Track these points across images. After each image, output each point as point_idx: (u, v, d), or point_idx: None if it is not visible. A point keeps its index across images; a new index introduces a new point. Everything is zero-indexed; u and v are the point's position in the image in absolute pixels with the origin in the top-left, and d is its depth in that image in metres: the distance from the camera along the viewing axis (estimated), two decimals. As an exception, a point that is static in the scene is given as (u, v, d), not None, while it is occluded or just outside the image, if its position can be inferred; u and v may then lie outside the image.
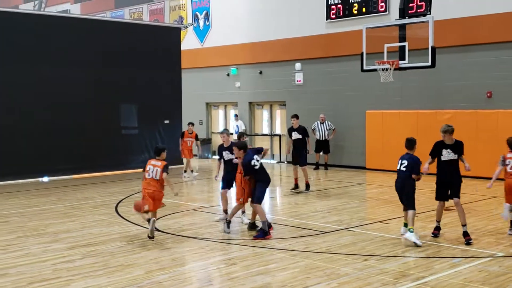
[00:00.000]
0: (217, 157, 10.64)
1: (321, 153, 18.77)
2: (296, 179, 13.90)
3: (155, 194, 8.96)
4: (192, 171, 16.95)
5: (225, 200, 10.30)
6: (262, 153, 9.64)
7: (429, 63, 13.47)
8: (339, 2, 18.70)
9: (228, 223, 9.51)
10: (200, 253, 8.26)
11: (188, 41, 23.43)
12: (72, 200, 12.98)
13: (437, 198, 8.93)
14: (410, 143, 8.97)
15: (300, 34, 19.85)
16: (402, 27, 14.02)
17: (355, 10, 18.34)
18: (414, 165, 8.71)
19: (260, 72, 21.33)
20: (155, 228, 8.95)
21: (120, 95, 18.53)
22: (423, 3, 13.75)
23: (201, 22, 23.53)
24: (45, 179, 16.63)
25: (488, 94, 15.82)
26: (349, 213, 11.12)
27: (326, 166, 18.59)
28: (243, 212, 10.12)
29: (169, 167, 9.23)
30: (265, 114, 21.90)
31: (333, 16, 18.91)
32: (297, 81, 20.15)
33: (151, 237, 8.84)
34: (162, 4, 25.17)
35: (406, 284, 6.61)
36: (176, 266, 7.55)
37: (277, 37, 20.56)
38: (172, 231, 9.58)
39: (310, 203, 12.38)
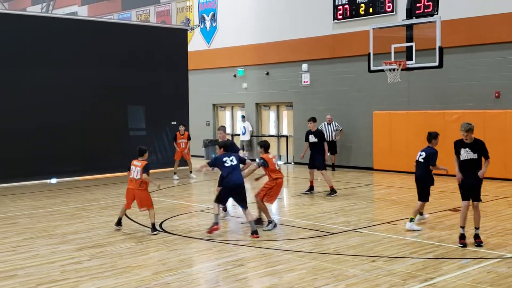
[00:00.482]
0: None
1: (329, 153, 18.71)
2: (311, 182, 13.71)
3: (135, 192, 9.52)
4: (191, 171, 16.99)
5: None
6: (245, 165, 9.85)
7: (436, 63, 13.43)
8: (346, 2, 18.68)
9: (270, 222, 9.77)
10: (207, 254, 8.27)
11: (195, 43, 23.47)
12: (80, 202, 13.03)
13: (462, 198, 8.60)
14: (428, 136, 9.88)
15: (307, 34, 19.84)
16: (409, 27, 13.98)
17: (362, 11, 18.31)
18: (430, 156, 9.41)
19: (267, 73, 21.33)
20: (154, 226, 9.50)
21: (127, 97, 18.59)
22: (430, 3, 13.71)
23: (207, 24, 23.57)
24: (53, 180, 16.70)
25: (496, 94, 15.74)
26: (356, 214, 11.09)
27: (334, 167, 18.55)
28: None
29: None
30: (272, 115, 21.89)
31: (340, 17, 18.88)
32: (304, 82, 20.13)
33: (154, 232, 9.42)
34: (169, 6, 25.24)
35: (414, 285, 6.58)
36: (183, 267, 7.56)
37: (283, 38, 20.55)
38: (180, 232, 9.59)
39: (317, 204, 12.36)
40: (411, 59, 13.86)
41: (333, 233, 9.33)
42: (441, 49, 13.29)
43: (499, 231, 9.35)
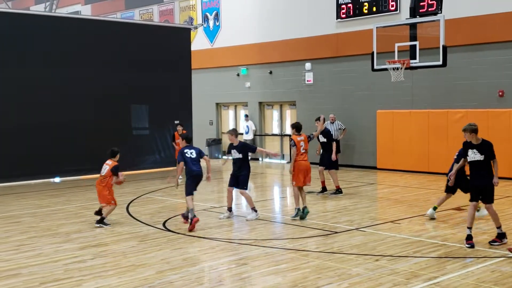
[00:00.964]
0: (225, 157, 10.97)
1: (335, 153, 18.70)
2: (322, 182, 13.47)
3: (97, 188, 10.26)
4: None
5: (230, 197, 10.60)
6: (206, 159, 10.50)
7: (440, 62, 13.39)
8: (349, 1, 18.65)
9: (298, 210, 10.47)
10: (210, 253, 8.27)
11: (198, 42, 23.48)
12: (83, 201, 13.05)
13: (470, 199, 8.48)
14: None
15: (310, 34, 19.82)
16: (413, 26, 13.95)
17: (365, 10, 18.28)
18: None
19: (270, 72, 21.32)
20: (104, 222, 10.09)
21: (130, 96, 18.61)
22: (434, 2, 13.68)
23: (211, 23, 23.57)
24: (57, 179, 16.73)
25: (500, 93, 15.69)
26: (360, 213, 11.08)
27: (337, 166, 18.50)
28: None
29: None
30: (275, 114, 21.88)
31: (343, 16, 18.85)
32: (307, 81, 20.12)
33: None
34: (172, 5, 25.25)
35: (418, 285, 6.57)
36: (187, 266, 7.56)
37: (287, 37, 20.54)
38: (183, 231, 9.60)
39: (320, 203, 12.35)
40: (415, 58, 13.83)
41: (337, 232, 9.32)
42: (444, 48, 13.26)
43: (503, 230, 9.30)
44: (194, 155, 10.23)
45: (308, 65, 19.98)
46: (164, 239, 9.01)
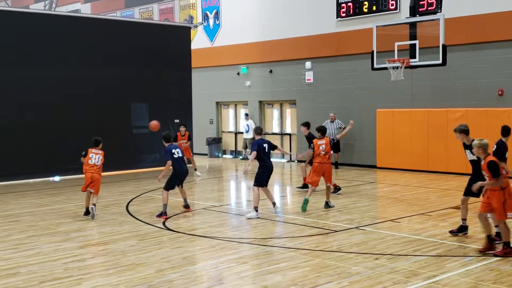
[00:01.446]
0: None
1: (331, 152, 18.70)
2: (304, 178, 13.74)
3: (94, 176, 10.76)
4: (195, 169, 17.02)
5: (260, 196, 10.76)
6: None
7: (440, 61, 13.40)
8: (349, 0, 18.64)
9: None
10: (210, 251, 8.27)
11: (198, 40, 23.47)
12: (83, 200, 12.98)
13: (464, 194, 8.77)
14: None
15: (310, 32, 19.81)
16: (412, 25, 13.95)
17: (365, 9, 18.27)
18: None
19: (270, 71, 21.31)
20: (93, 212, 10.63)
21: (130, 95, 18.60)
22: (433, 1, 13.70)
23: (211, 21, 23.55)
24: (57, 178, 16.73)
25: (500, 92, 15.69)
26: (359, 211, 11.08)
27: (337, 165, 18.53)
28: (274, 204, 10.95)
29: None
30: (275, 113, 21.88)
31: (343, 15, 18.84)
32: (307, 79, 20.11)
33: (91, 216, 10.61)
34: (172, 3, 25.23)
35: (417, 283, 6.58)
36: (187, 264, 7.56)
37: (287, 35, 20.53)
38: (183, 230, 9.60)
39: (320, 201, 12.35)
40: (415, 57, 13.83)
41: (336, 231, 9.33)
42: (444, 47, 13.26)
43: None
44: (181, 154, 10.99)
45: (308, 64, 19.97)
46: (164, 238, 9.01)
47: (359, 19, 18.42)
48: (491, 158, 7.70)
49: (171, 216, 10.74)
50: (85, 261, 7.79)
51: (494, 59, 15.75)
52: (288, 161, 20.96)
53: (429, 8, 13.83)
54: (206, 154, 22.94)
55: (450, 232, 8.94)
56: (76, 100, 17.14)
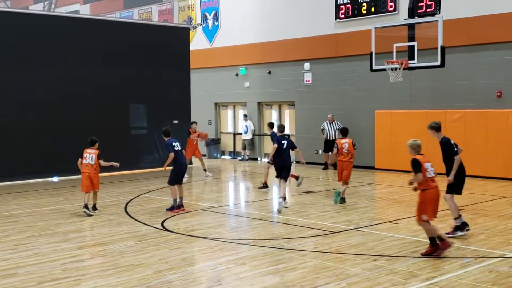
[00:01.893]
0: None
1: (330, 153, 18.72)
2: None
3: (91, 176, 11.10)
4: (205, 170, 17.06)
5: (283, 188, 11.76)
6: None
7: (438, 63, 13.43)
8: (348, 2, 18.66)
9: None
10: (209, 253, 8.27)
11: (197, 41, 23.47)
12: (81, 200, 12.99)
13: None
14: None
15: (309, 34, 19.83)
16: (411, 27, 13.98)
17: (364, 10, 18.29)
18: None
19: (269, 72, 21.32)
20: (90, 212, 11.03)
21: (129, 95, 18.60)
22: (432, 2, 13.70)
23: (210, 22, 23.56)
24: (55, 179, 16.72)
25: (498, 94, 15.71)
26: (358, 213, 11.09)
27: (335, 166, 18.51)
28: (284, 199, 11.57)
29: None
30: (274, 114, 21.88)
31: (342, 16, 18.86)
32: (306, 81, 20.12)
33: (91, 215, 11.00)
34: (171, 4, 25.24)
35: (416, 285, 6.58)
36: (185, 266, 7.57)
37: (286, 37, 20.54)
38: (181, 231, 9.60)
39: (319, 203, 12.36)
40: (413, 59, 13.85)
41: (335, 232, 9.33)
42: (443, 48, 13.29)
43: (501, 230, 9.34)
44: (180, 148, 11.53)
45: (307, 65, 19.99)
46: (162, 239, 9.01)
47: (358, 20, 18.44)
48: (416, 157, 7.86)
49: (169, 217, 10.75)
50: (84, 262, 7.79)
51: (493, 61, 15.78)
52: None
53: (427, 10, 13.84)
54: (204, 155, 22.90)
55: (446, 234, 8.91)
56: (76, 100, 17.13)
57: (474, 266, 7.29)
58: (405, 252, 8.01)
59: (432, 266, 7.32)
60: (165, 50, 19.30)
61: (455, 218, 8.93)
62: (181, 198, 11.47)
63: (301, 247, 8.37)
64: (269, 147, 21.62)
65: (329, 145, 18.59)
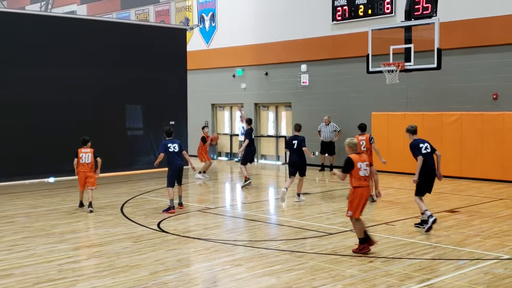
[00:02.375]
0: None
1: (326, 154, 18.76)
2: (245, 176, 15.09)
3: (87, 174, 11.52)
4: (204, 172, 17.08)
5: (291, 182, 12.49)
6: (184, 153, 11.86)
7: (435, 65, 13.46)
8: (345, 3, 18.69)
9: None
10: (205, 254, 8.27)
11: (194, 42, 23.47)
12: (77, 201, 13.00)
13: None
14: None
15: (305, 35, 19.85)
16: (408, 29, 14.01)
17: (360, 12, 18.32)
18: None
19: (266, 74, 21.34)
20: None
21: (125, 96, 18.58)
22: (429, 5, 13.74)
23: (207, 24, 23.57)
24: (51, 179, 16.69)
25: (494, 96, 15.77)
26: (354, 214, 11.09)
27: (332, 167, 18.57)
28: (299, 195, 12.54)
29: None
30: (271, 115, 21.90)
31: (339, 18, 18.90)
32: (303, 82, 20.14)
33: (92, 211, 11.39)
34: (168, 5, 25.24)
35: (411, 286, 6.60)
36: (181, 267, 7.57)
37: (282, 38, 20.56)
38: (178, 232, 9.60)
39: (315, 204, 12.37)
40: (410, 61, 13.88)
41: (331, 234, 9.35)
42: (439, 50, 13.32)
43: (496, 232, 9.38)
44: (177, 149, 11.49)
45: (303, 67, 20.01)
46: (159, 240, 9.01)
47: (355, 22, 18.47)
48: (351, 155, 8.28)
49: (166, 218, 10.75)
50: (80, 263, 7.78)
51: (489, 63, 15.83)
52: (283, 164, 20.96)
53: (424, 12, 13.88)
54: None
55: (415, 225, 9.74)
56: (71, 101, 17.10)
57: (470, 268, 7.31)
58: (400, 254, 8.03)
59: (428, 268, 7.35)
60: (162, 51, 19.29)
61: (422, 213, 9.60)
62: (180, 197, 11.64)
63: (297, 249, 8.38)
64: (266, 149, 21.69)
65: (325, 146, 18.62)
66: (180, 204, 11.64)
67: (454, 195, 13.42)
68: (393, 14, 17.51)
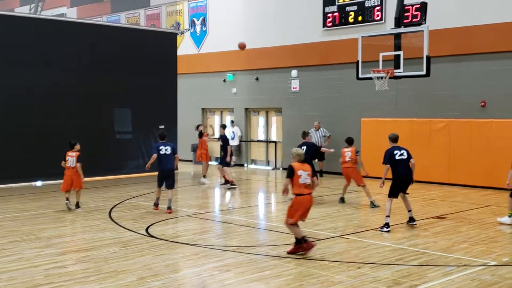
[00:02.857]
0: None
1: (315, 160, 18.76)
2: (223, 176, 15.93)
3: (73, 177, 11.93)
4: (204, 176, 17.08)
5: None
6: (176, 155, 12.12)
7: (424, 72, 13.57)
8: (336, 10, 18.79)
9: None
10: (194, 259, 8.24)
11: (185, 47, 23.46)
12: (65, 205, 12.91)
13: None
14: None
15: (296, 41, 19.92)
16: (397, 36, 14.12)
17: (351, 19, 18.42)
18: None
19: (257, 79, 21.37)
20: (70, 206, 11.95)
21: (115, 100, 18.51)
22: (418, 12, 13.85)
23: (197, 28, 23.58)
24: (39, 183, 16.56)
25: (482, 104, 15.89)
26: (343, 220, 11.14)
27: (321, 173, 18.59)
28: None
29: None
30: (261, 120, 21.92)
31: (330, 24, 18.98)
32: (293, 88, 20.20)
33: (70, 208, 11.91)
34: (159, 9, 25.22)
35: (399, 293, 6.62)
36: (169, 272, 7.53)
37: (273, 44, 20.62)
38: (166, 237, 9.56)
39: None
40: (399, 68, 13.98)
41: (320, 239, 9.35)
42: (428, 58, 13.43)
43: (483, 239, 9.43)
44: (169, 151, 11.69)
45: (294, 72, 20.07)
46: (147, 245, 8.96)
47: (345, 29, 18.57)
48: (293, 164, 8.35)
49: (154, 223, 10.70)
50: (67, 268, 7.72)
51: (477, 71, 15.97)
52: (273, 169, 20.96)
53: (413, 20, 13.99)
54: (191, 161, 22.90)
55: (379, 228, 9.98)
56: (59, 104, 17.01)
57: (457, 275, 7.34)
58: (389, 260, 8.05)
59: (416, 274, 7.37)
60: (152, 55, 19.26)
61: (386, 216, 10.01)
62: (169, 200, 11.71)
63: (286, 254, 8.37)
64: (256, 154, 21.70)
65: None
66: (169, 208, 11.64)
67: (442, 201, 13.50)
68: (383, 21, 17.62)
